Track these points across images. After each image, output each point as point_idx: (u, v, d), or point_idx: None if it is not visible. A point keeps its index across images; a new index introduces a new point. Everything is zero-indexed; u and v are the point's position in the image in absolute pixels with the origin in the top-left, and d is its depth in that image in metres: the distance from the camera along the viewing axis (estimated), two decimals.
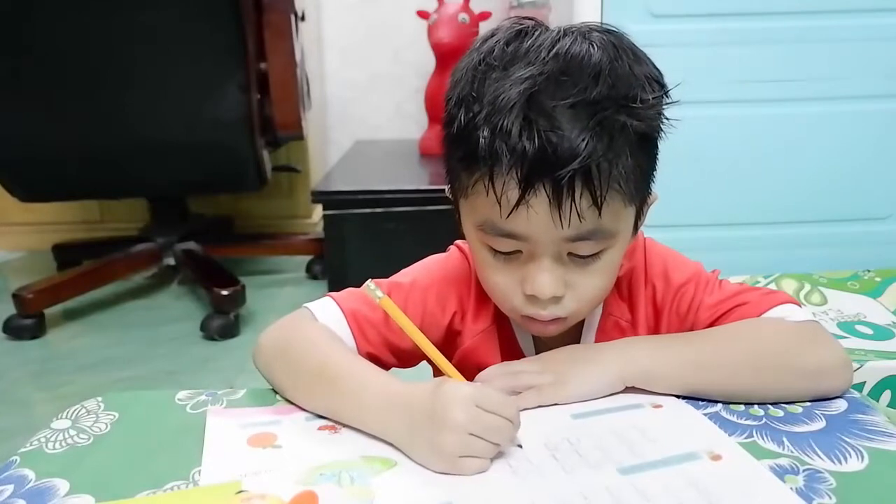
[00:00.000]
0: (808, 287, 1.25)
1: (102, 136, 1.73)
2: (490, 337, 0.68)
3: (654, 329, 0.68)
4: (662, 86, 0.56)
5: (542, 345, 0.68)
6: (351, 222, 1.86)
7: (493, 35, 0.57)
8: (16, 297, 1.71)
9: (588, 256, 0.56)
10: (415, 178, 2.08)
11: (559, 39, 0.54)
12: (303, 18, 1.93)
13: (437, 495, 0.46)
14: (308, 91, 1.96)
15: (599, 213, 0.53)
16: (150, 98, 1.70)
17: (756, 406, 0.57)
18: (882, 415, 0.56)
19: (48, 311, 1.77)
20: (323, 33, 2.57)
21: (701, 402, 0.58)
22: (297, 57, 1.80)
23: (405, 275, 0.69)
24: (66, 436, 0.55)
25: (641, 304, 0.67)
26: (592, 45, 0.54)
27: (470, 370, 0.62)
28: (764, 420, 0.55)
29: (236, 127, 1.72)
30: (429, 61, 2.33)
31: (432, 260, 0.71)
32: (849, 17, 1.38)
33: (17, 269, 2.26)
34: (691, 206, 1.43)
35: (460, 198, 0.60)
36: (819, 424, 0.54)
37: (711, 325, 0.64)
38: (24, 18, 1.57)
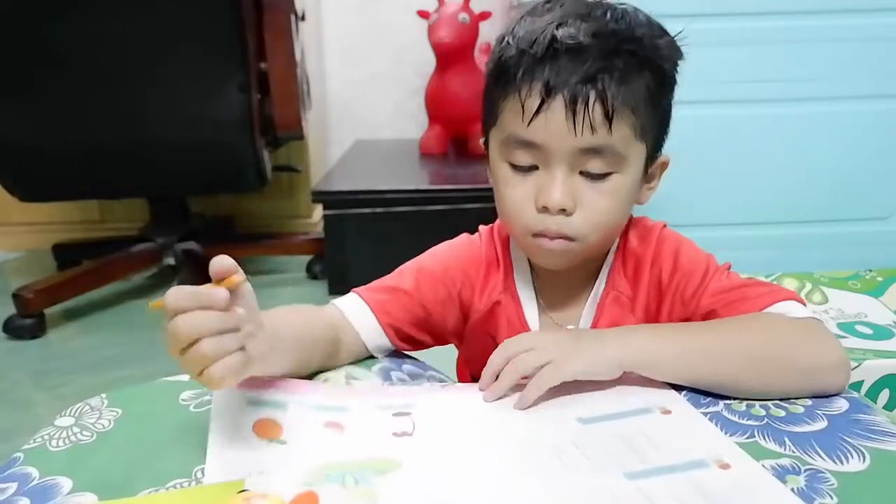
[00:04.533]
0: (808, 286, 1.25)
1: (103, 136, 1.72)
2: (498, 309, 0.72)
3: (656, 310, 0.69)
4: (672, 38, 0.64)
5: (547, 318, 0.72)
6: (351, 222, 1.86)
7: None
8: (16, 297, 1.70)
9: (598, 176, 0.61)
10: (415, 178, 2.08)
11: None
12: (303, 18, 1.93)
13: (441, 496, 0.46)
14: (308, 91, 1.96)
15: (610, 127, 0.59)
16: (150, 98, 1.70)
17: (757, 406, 0.57)
18: (884, 415, 0.56)
19: (48, 311, 1.76)
20: (323, 33, 2.57)
21: (703, 401, 0.58)
22: (297, 57, 1.80)
23: (414, 262, 0.73)
24: (70, 433, 0.55)
25: (644, 283, 0.69)
26: (614, 6, 0.63)
27: (479, 341, 0.69)
28: (765, 420, 0.55)
29: (236, 127, 1.72)
30: (429, 61, 2.33)
31: (438, 246, 0.75)
32: (849, 17, 1.39)
33: (17, 269, 2.25)
34: (691, 206, 1.43)
35: (491, 129, 0.66)
36: (821, 424, 0.54)
37: (711, 312, 0.64)
38: (24, 19, 1.57)
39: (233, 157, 1.79)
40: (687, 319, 0.66)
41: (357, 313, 0.69)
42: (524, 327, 0.72)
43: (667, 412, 0.56)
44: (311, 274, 2.09)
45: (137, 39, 1.64)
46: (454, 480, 0.48)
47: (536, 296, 0.73)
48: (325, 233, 1.91)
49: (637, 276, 0.70)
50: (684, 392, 0.59)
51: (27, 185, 1.83)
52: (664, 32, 0.64)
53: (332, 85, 2.62)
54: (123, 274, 1.98)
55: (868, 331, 1.11)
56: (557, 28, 0.59)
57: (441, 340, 0.75)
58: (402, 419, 0.56)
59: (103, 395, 0.60)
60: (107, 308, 1.89)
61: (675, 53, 0.64)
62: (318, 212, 2.31)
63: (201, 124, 1.72)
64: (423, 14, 2.29)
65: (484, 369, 0.60)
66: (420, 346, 0.74)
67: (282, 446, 0.52)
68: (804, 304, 0.64)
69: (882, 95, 1.42)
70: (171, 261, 1.99)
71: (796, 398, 0.58)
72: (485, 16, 2.25)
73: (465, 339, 0.75)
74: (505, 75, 0.62)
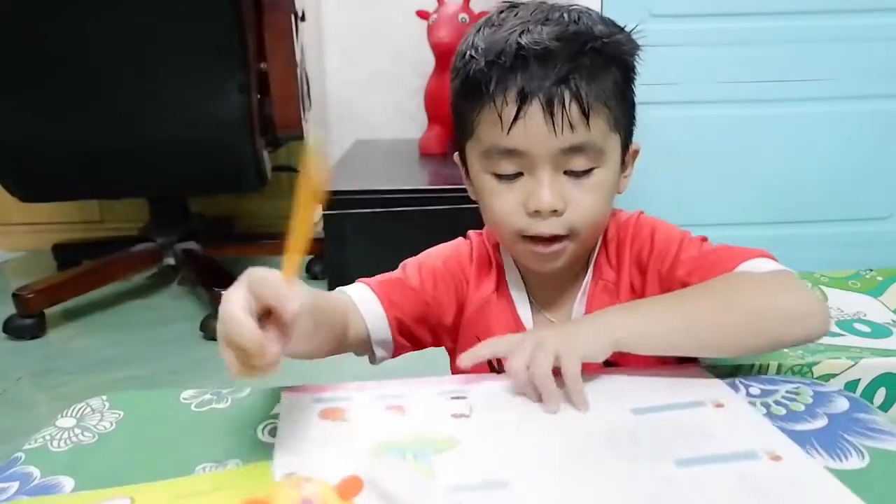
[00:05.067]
0: (808, 285, 1.25)
1: (102, 136, 1.72)
2: (491, 305, 0.74)
3: (640, 290, 0.70)
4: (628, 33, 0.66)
5: (541, 316, 0.73)
6: (351, 222, 1.86)
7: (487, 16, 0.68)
8: (16, 297, 1.71)
9: (582, 173, 0.63)
10: (415, 178, 2.08)
11: (542, 4, 0.66)
12: (303, 18, 1.93)
13: (496, 475, 0.47)
14: (308, 91, 1.96)
15: (588, 123, 0.61)
16: (150, 98, 1.70)
17: (758, 404, 0.57)
18: (884, 414, 0.56)
19: (48, 311, 1.76)
20: (323, 33, 2.57)
21: None
22: (297, 57, 1.80)
23: (414, 259, 0.75)
24: (72, 434, 0.55)
25: (626, 266, 0.71)
26: (568, 9, 0.65)
27: (473, 337, 0.70)
28: (766, 417, 0.55)
29: (236, 127, 1.72)
30: (429, 61, 2.33)
31: (434, 247, 0.78)
32: (849, 17, 1.39)
33: (17, 269, 2.25)
34: (691, 206, 1.43)
35: (467, 142, 0.67)
36: (821, 423, 0.55)
37: (686, 279, 0.65)
38: (24, 19, 1.57)
39: (233, 157, 1.79)
40: (667, 292, 0.67)
41: (366, 301, 0.70)
42: (519, 325, 0.73)
43: (719, 405, 0.57)
44: (311, 274, 2.09)
45: (137, 39, 1.64)
46: (510, 460, 0.49)
47: (528, 295, 0.74)
48: (325, 233, 1.91)
49: (619, 261, 0.72)
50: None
51: (27, 185, 1.83)
52: (620, 28, 0.66)
53: (332, 85, 2.62)
54: (123, 274, 1.98)
55: (866, 329, 1.11)
56: (521, 35, 0.61)
57: (437, 340, 0.76)
58: (460, 402, 0.57)
59: (104, 397, 0.61)
60: (107, 308, 1.89)
61: (634, 46, 0.66)
62: (318, 212, 2.31)
63: (201, 124, 1.72)
64: (422, 14, 2.29)
65: (516, 386, 0.58)
66: (417, 344, 0.74)
67: (345, 423, 0.55)
68: (775, 260, 0.65)
69: (882, 95, 1.43)
70: (171, 261, 1.99)
71: (783, 348, 0.62)
72: (484, 16, 2.25)
73: (459, 337, 0.76)
74: (476, 89, 0.63)
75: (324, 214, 1.89)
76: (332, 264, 1.91)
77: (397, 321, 0.71)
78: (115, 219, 2.37)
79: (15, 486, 0.48)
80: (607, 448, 0.50)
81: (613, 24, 0.66)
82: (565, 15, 0.63)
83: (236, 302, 0.46)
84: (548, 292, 0.74)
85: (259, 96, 1.74)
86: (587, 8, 0.66)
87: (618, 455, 0.50)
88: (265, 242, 2.25)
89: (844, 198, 1.47)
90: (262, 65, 1.75)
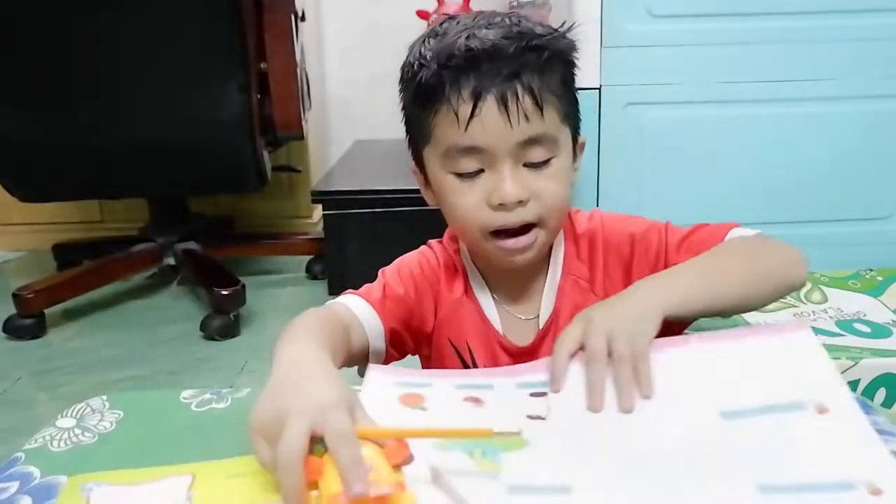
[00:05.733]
0: (808, 285, 1.25)
1: (102, 136, 1.72)
2: (463, 307, 0.75)
3: (624, 283, 0.71)
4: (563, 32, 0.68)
5: (507, 315, 0.75)
6: (351, 222, 1.86)
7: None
8: (16, 297, 1.71)
9: (541, 164, 0.65)
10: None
11: (481, 12, 0.68)
12: (303, 18, 1.93)
13: (561, 478, 0.46)
14: (308, 91, 1.96)
15: (542, 115, 0.63)
16: (150, 98, 1.70)
17: None
18: (883, 414, 0.56)
19: (48, 311, 1.77)
20: (323, 33, 2.57)
21: None
22: (297, 57, 1.80)
23: (392, 267, 0.77)
24: (71, 434, 0.55)
25: (600, 263, 0.73)
26: (510, 14, 0.68)
27: (445, 340, 0.74)
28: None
29: (236, 127, 1.72)
30: None
31: (403, 256, 0.79)
32: (848, 17, 1.39)
33: (17, 269, 2.26)
34: (691, 206, 1.43)
35: (424, 147, 0.69)
36: None
37: (679, 259, 0.69)
38: (23, 18, 1.57)
39: (233, 157, 1.79)
40: None
41: (365, 313, 0.70)
42: (487, 325, 0.74)
43: (823, 411, 0.50)
44: (311, 274, 2.10)
45: (137, 39, 1.64)
46: (578, 466, 0.47)
47: (492, 293, 0.75)
48: (325, 233, 1.91)
49: (592, 257, 0.74)
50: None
51: (27, 185, 1.83)
52: (556, 29, 0.68)
53: (332, 85, 2.62)
54: (123, 274, 1.98)
55: (866, 329, 1.11)
56: (468, 39, 0.63)
57: (417, 347, 0.77)
58: (538, 402, 0.55)
59: (104, 397, 0.61)
60: (107, 308, 1.89)
61: (573, 45, 0.68)
62: (318, 212, 2.31)
63: (201, 124, 1.72)
64: (422, 14, 2.29)
65: (588, 386, 0.54)
66: (402, 353, 0.75)
67: (423, 413, 0.54)
68: (746, 227, 0.72)
69: (882, 95, 1.43)
70: (171, 261, 1.99)
71: (786, 294, 0.68)
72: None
73: (433, 341, 0.77)
74: (431, 93, 0.65)
75: (324, 214, 1.89)
76: (332, 264, 1.91)
77: (391, 331, 0.72)
78: (115, 219, 2.37)
79: (15, 486, 0.48)
80: (684, 462, 0.47)
81: (551, 26, 0.68)
82: (506, 19, 0.66)
83: (299, 446, 0.42)
84: (509, 289, 0.75)
85: (259, 96, 1.74)
86: (524, 14, 0.69)
87: (693, 472, 0.46)
88: (265, 242, 2.26)
89: (844, 198, 1.47)
90: (262, 65, 1.75)
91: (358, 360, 0.70)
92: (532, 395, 0.56)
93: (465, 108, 0.63)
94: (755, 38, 1.40)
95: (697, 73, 1.41)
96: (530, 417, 0.53)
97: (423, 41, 0.67)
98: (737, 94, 1.43)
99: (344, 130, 2.65)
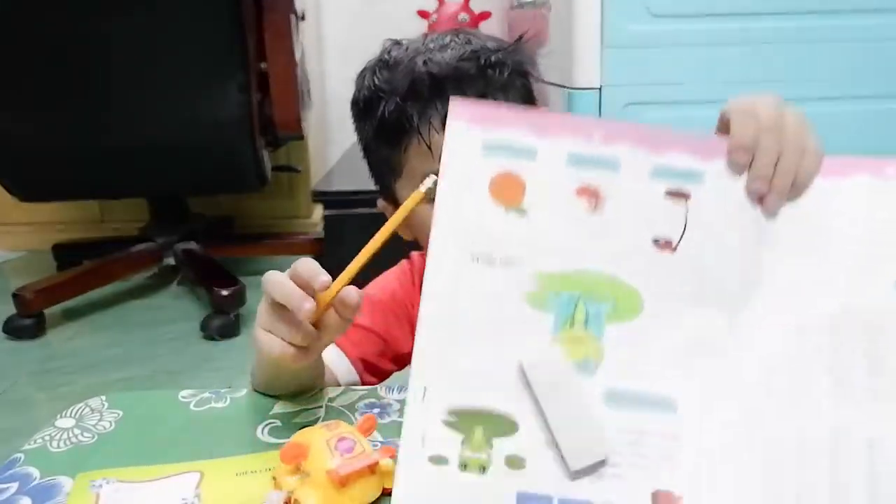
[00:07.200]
0: None
1: (103, 136, 1.72)
2: None
3: None
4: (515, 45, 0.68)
5: None
6: (351, 222, 1.86)
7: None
8: (16, 297, 1.71)
9: None
10: None
11: (425, 35, 0.67)
12: (303, 18, 1.93)
13: (667, 389, 0.39)
14: (308, 91, 1.96)
15: None
16: (150, 98, 1.70)
17: None
18: None
19: (48, 311, 1.77)
20: (323, 33, 2.57)
21: None
22: (297, 57, 1.80)
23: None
24: (71, 434, 0.55)
25: None
26: (458, 32, 0.67)
27: None
28: None
29: (236, 127, 1.72)
30: None
31: (378, 277, 0.77)
32: (849, 17, 1.39)
33: (17, 269, 2.26)
34: None
35: (395, 183, 0.67)
36: None
37: None
38: (24, 18, 1.58)
39: (233, 158, 1.79)
40: None
41: (331, 355, 0.68)
42: None
43: None
44: None
45: (137, 39, 1.64)
46: (686, 368, 0.39)
47: None
48: (325, 233, 1.91)
49: None
50: None
51: (27, 185, 1.83)
52: (506, 42, 0.68)
53: (332, 85, 2.62)
54: (123, 274, 1.98)
55: None
56: (425, 65, 0.62)
57: (402, 364, 0.75)
58: (675, 209, 0.42)
59: (103, 397, 0.60)
60: (107, 308, 1.89)
61: (529, 57, 0.68)
62: (318, 212, 2.31)
63: (201, 124, 1.72)
64: (423, 14, 2.29)
65: (757, 160, 0.45)
66: (383, 377, 0.74)
67: (519, 220, 0.42)
68: None
69: (882, 95, 1.43)
70: (171, 261, 1.99)
71: None
72: (485, 16, 2.25)
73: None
74: (398, 129, 0.63)
75: (324, 214, 1.89)
76: (332, 264, 1.91)
77: (363, 362, 0.70)
78: (115, 219, 2.37)
79: (15, 486, 0.48)
80: (823, 369, 0.37)
81: (499, 39, 0.68)
82: (456, 38, 0.65)
83: (277, 272, 0.50)
84: None
85: (259, 96, 1.74)
86: (469, 29, 0.69)
87: (829, 389, 0.37)
88: (265, 242, 2.26)
89: None
90: (262, 65, 1.75)
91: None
92: (669, 193, 0.42)
93: (439, 138, 0.60)
94: (755, 38, 1.40)
95: (697, 73, 1.41)
96: (657, 244, 0.41)
97: (374, 72, 0.65)
98: (736, 94, 1.43)
99: (344, 130, 2.63)
